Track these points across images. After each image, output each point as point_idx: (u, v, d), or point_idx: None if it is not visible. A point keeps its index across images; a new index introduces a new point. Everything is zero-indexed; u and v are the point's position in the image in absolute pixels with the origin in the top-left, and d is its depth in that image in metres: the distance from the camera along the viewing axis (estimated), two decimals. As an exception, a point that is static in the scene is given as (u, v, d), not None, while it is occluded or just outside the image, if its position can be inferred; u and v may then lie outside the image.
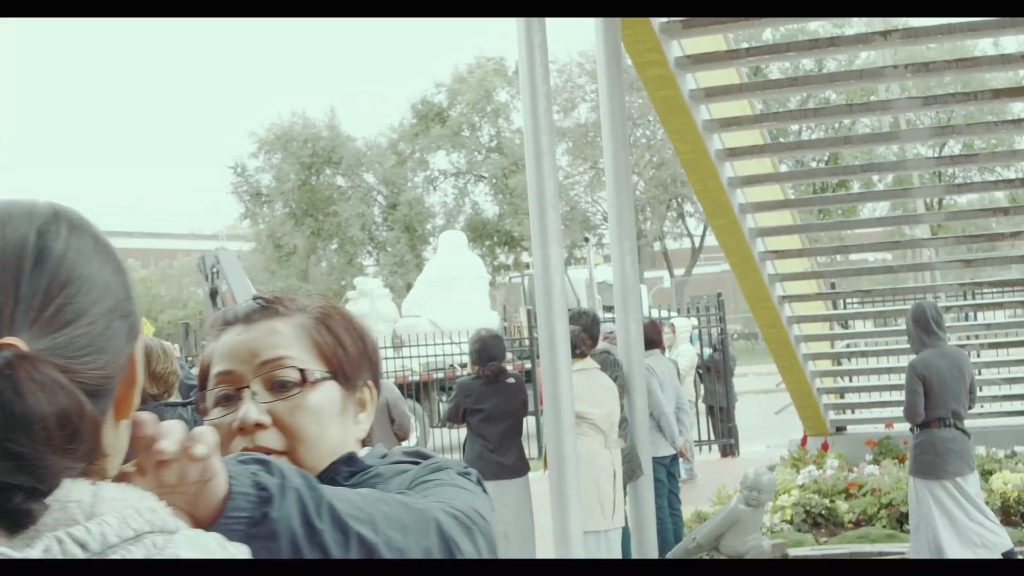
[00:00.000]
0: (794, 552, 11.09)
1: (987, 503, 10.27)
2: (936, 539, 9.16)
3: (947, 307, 14.28)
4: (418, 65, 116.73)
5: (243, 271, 26.96)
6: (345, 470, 2.00)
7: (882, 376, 14.76)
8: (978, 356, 14.55)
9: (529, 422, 15.46)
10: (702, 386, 19.97)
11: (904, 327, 10.55)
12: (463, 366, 21.20)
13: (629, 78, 26.94)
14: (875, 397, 14.82)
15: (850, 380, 15.06)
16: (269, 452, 1.94)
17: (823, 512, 12.07)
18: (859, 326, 16.71)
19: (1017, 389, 14.26)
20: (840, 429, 14.43)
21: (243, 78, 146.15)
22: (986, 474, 12.06)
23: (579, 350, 9.37)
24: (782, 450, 14.54)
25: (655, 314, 23.30)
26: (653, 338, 11.55)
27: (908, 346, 9.83)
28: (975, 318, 17.46)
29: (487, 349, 9.95)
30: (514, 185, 46.19)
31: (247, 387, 2.00)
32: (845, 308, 16.64)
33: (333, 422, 2.03)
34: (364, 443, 2.14)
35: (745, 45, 17.11)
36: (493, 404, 9.80)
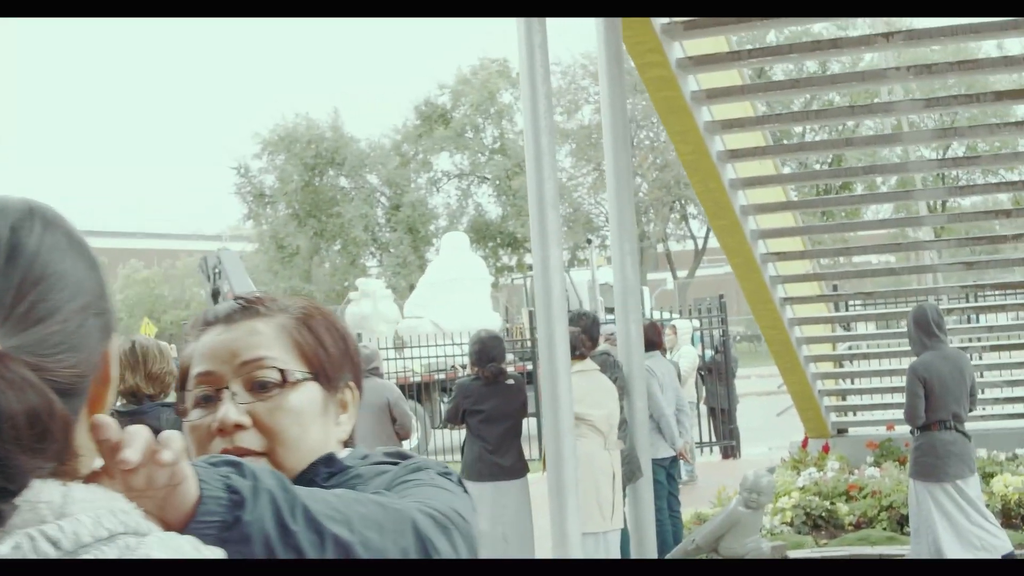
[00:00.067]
0: (794, 554, 11.08)
1: (988, 506, 10.26)
2: (936, 542, 9.15)
3: (949, 309, 14.27)
4: (422, 66, 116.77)
5: (245, 271, 26.97)
6: (324, 471, 1.98)
7: (884, 378, 14.73)
8: (980, 359, 14.54)
9: (531, 423, 15.45)
10: (704, 388, 19.94)
11: (905, 329, 10.53)
12: (464, 367, 21.20)
13: (632, 80, 26.96)
14: (876, 399, 14.80)
15: (852, 382, 15.04)
16: (249, 453, 1.93)
17: (823, 514, 12.05)
18: (861, 328, 16.68)
19: (1019, 392, 14.23)
20: (841, 431, 14.41)
21: (247, 79, 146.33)
22: (987, 477, 12.05)
23: (579, 351, 9.35)
24: (783, 452, 14.53)
25: (657, 316, 23.27)
26: (653, 340, 11.53)
27: (909, 348, 9.81)
28: (977, 320, 17.43)
29: (486, 350, 9.93)
30: (517, 187, 46.17)
31: (227, 388, 1.98)
32: (847, 310, 16.60)
33: (314, 423, 2.01)
34: (346, 444, 2.12)
35: (749, 47, 17.08)
36: (492, 405, 9.79)
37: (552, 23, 8.48)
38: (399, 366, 23.08)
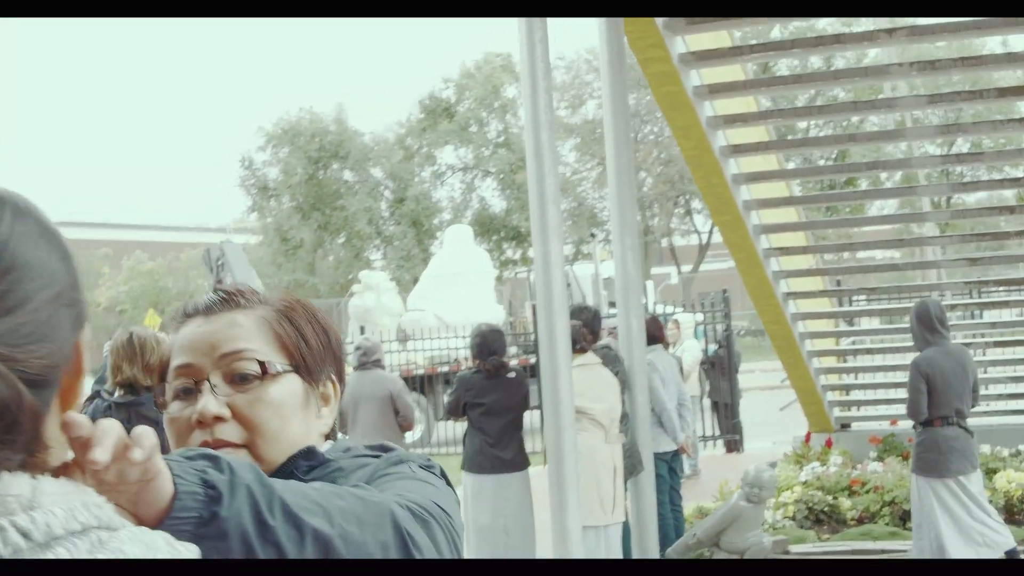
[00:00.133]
0: (796, 549, 11.06)
1: (991, 502, 10.23)
2: (938, 538, 9.12)
3: (953, 305, 14.24)
4: (426, 61, 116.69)
5: (248, 264, 26.97)
6: (304, 464, 1.96)
7: (887, 373, 14.71)
8: (984, 354, 14.49)
9: (534, 416, 15.44)
10: (707, 382, 19.91)
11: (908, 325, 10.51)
12: (467, 360, 21.21)
13: (636, 75, 26.90)
14: (880, 395, 14.78)
15: (855, 377, 15.03)
16: (229, 446, 1.91)
17: (825, 509, 12.03)
18: (865, 323, 16.67)
19: (1022, 387, 14.21)
20: (845, 426, 14.40)
21: (252, 73, 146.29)
22: (990, 472, 12.03)
23: (580, 345, 9.35)
24: (787, 446, 14.51)
25: (660, 310, 23.25)
26: (655, 334, 11.51)
27: (912, 344, 9.79)
28: (981, 316, 17.39)
29: (487, 343, 9.91)
30: (521, 180, 46.17)
31: (207, 380, 1.96)
32: (851, 305, 16.57)
33: (294, 416, 1.99)
34: (328, 438, 2.10)
35: (753, 42, 17.05)
36: (493, 398, 9.77)
37: (551, 20, 8.45)
38: (402, 359, 23.10)
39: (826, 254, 16.01)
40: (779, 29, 41.52)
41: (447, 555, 1.78)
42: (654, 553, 10.07)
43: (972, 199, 42.37)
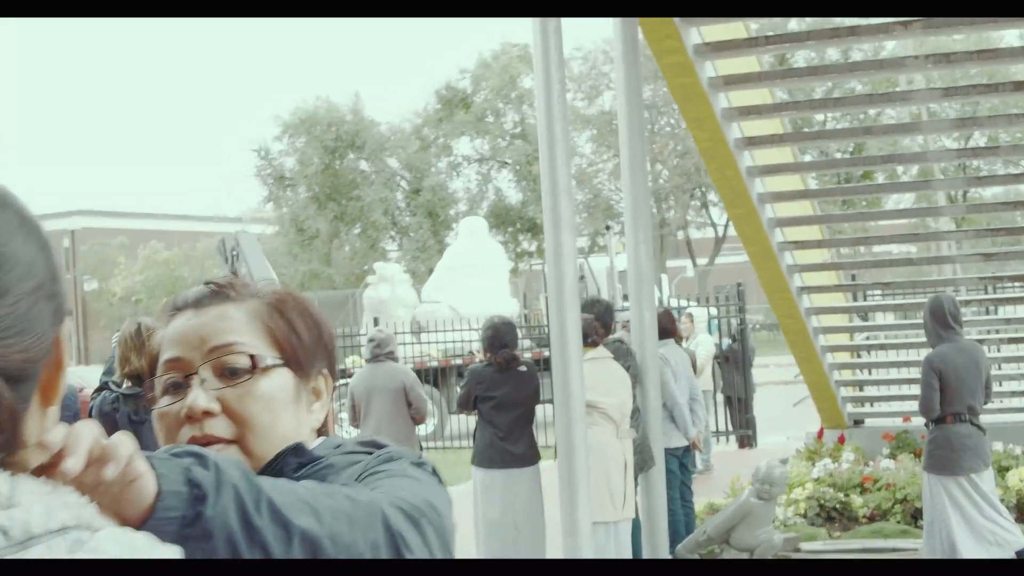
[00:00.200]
0: (806, 547, 11.02)
1: (1003, 500, 10.19)
2: (950, 536, 9.08)
3: (967, 301, 14.16)
4: (443, 51, 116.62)
5: (263, 254, 26.91)
6: (293, 461, 1.92)
7: (901, 369, 14.65)
8: (998, 351, 14.43)
9: (547, 410, 15.41)
10: (720, 376, 19.85)
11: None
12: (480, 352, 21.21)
13: (652, 66, 26.86)
14: (894, 391, 14.71)
15: (869, 373, 14.96)
16: (218, 441, 1.89)
17: (837, 506, 11.99)
18: (879, 319, 16.60)
19: (1037, 384, 14.14)
20: (858, 422, 14.34)
21: (269, 63, 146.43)
22: (1002, 471, 11.97)
23: (591, 339, 9.31)
24: (800, 442, 14.46)
25: (675, 303, 23.20)
26: (667, 328, 11.48)
27: (926, 340, 9.73)
28: (996, 312, 17.31)
29: (499, 336, 9.88)
30: (537, 172, 45.77)
31: (196, 374, 1.93)
32: (865, 300, 16.52)
33: (285, 410, 1.96)
34: (320, 433, 2.07)
35: (770, 33, 16.98)
36: (504, 392, 9.73)
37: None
38: (416, 351, 23.09)
39: (842, 248, 15.93)
40: (796, 21, 41.39)
41: (438, 555, 1.74)
42: (664, 549, 10.04)
43: (988, 193, 42.24)
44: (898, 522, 11.59)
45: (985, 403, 9.35)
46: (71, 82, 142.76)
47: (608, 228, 27.85)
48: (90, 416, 7.91)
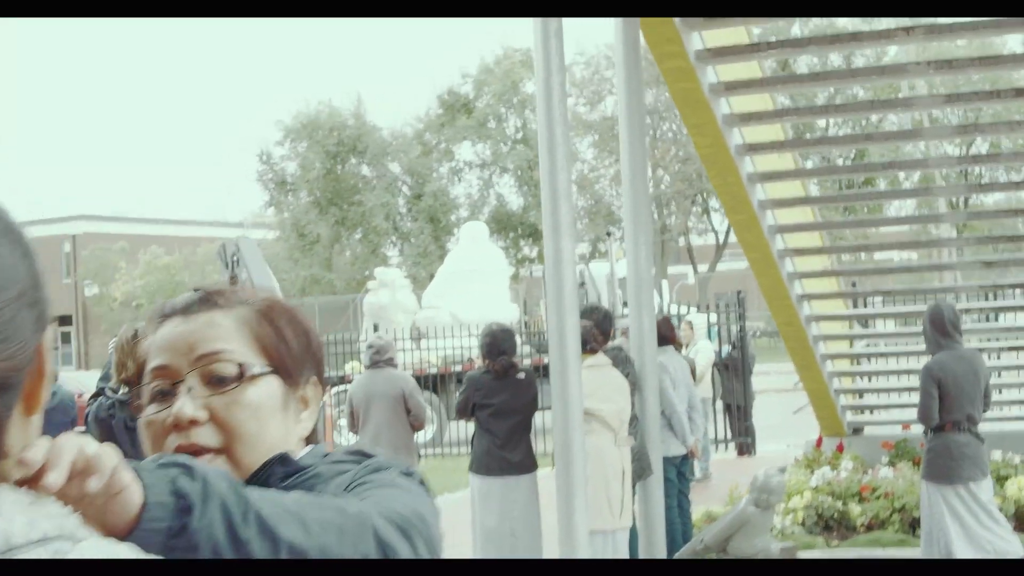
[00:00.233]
0: (804, 555, 10.99)
1: (1001, 509, 10.15)
2: (948, 545, 9.04)
3: (968, 309, 14.12)
4: (445, 56, 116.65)
5: (263, 259, 26.90)
6: (280, 470, 1.90)
7: (901, 377, 14.61)
8: (998, 359, 14.38)
9: (546, 417, 15.36)
10: (720, 384, 19.81)
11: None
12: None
13: (656, 72, 26.82)
14: (894, 399, 14.67)
15: (869, 381, 14.91)
16: (205, 450, 1.87)
17: (835, 515, 11.94)
18: (880, 326, 16.55)
19: (1038, 393, 14.09)
20: (857, 430, 14.29)
21: (271, 67, 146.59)
22: (1001, 479, 11.93)
23: (590, 346, 9.29)
24: (800, 450, 14.41)
25: (675, 310, 23.18)
26: (666, 335, 11.43)
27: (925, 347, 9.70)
28: (996, 320, 17.27)
29: (497, 343, 9.84)
30: (539, 177, 46.13)
31: (183, 382, 1.91)
32: (866, 307, 16.46)
33: (273, 419, 1.94)
34: (308, 442, 2.05)
35: (772, 39, 16.96)
36: (502, 399, 9.70)
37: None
38: (416, 357, 23.05)
39: (843, 255, 15.89)
40: (799, 27, 41.40)
41: None
42: (661, 558, 9.99)
43: (990, 200, 42.24)
44: (896, 531, 11.54)
45: (984, 411, 9.31)
46: (72, 84, 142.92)
47: (609, 234, 27.85)
48: (86, 421, 7.88)
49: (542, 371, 17.01)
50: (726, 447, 19.67)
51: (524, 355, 22.20)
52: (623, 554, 9.41)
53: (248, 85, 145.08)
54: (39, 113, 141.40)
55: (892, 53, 40.14)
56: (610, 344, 10.12)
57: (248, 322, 1.98)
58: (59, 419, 10.97)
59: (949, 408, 9.08)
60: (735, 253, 50.13)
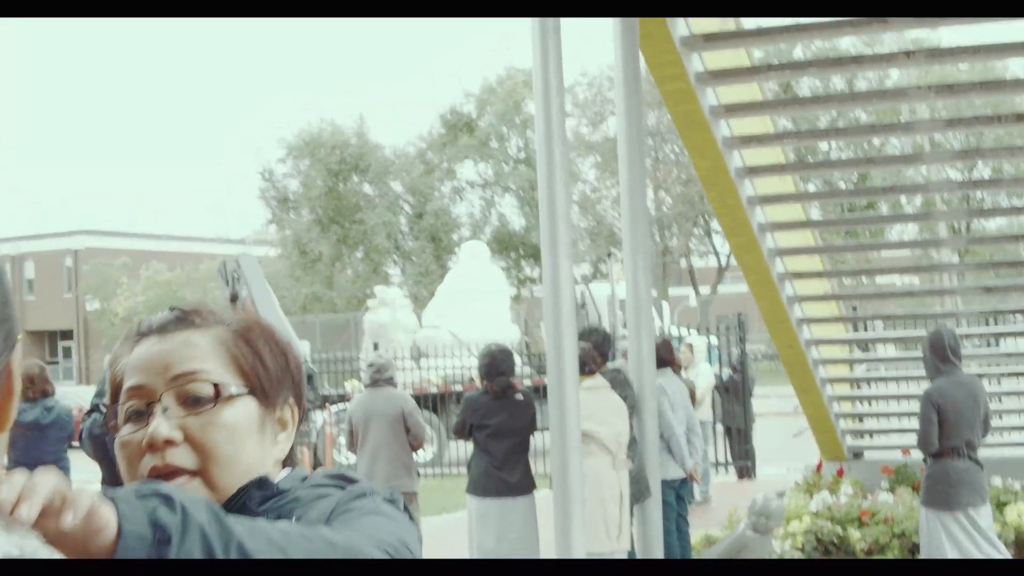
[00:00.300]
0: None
1: (1000, 536, 10.11)
2: (946, 571, 8.99)
3: (968, 334, 14.08)
4: (448, 75, 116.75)
5: (264, 277, 26.88)
6: (258, 494, 1.88)
7: (901, 402, 14.56)
8: (999, 384, 14.34)
9: (546, 437, 15.34)
10: (720, 407, 19.78)
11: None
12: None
13: (658, 94, 26.84)
14: (894, 423, 14.63)
15: (869, 405, 14.87)
16: (180, 471, 1.85)
17: (834, 540, 11.89)
18: (881, 350, 16.52)
19: (1038, 419, 14.04)
20: (858, 455, 14.24)
21: (275, 84, 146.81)
22: (1001, 506, 11.88)
23: (588, 368, 9.26)
24: (800, 474, 14.37)
25: (675, 332, 23.15)
26: (665, 357, 11.40)
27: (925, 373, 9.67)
28: (997, 345, 17.23)
29: (496, 364, 9.82)
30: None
31: (158, 402, 1.89)
32: (867, 331, 16.43)
33: (249, 440, 1.92)
34: (285, 464, 2.02)
35: (773, 62, 16.95)
36: (500, 420, 9.67)
37: (577, 37, 8.40)
38: (416, 376, 23.04)
39: (844, 279, 15.86)
40: (801, 49, 41.46)
41: None
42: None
43: (992, 226, 42.21)
44: (896, 556, 11.49)
45: (983, 437, 9.28)
46: (78, 98, 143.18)
47: (610, 255, 27.84)
48: (80, 438, 7.83)
49: (543, 392, 16.97)
50: (726, 470, 19.64)
51: (525, 376, 22.19)
52: (620, 577, 9.37)
53: (252, 102, 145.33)
54: (43, 122, 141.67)
55: (895, 77, 40.22)
56: (609, 366, 10.09)
57: (225, 342, 1.96)
58: (56, 434, 10.95)
59: (948, 434, 9.05)
60: (737, 276, 50.13)
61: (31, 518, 1.28)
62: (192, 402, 1.88)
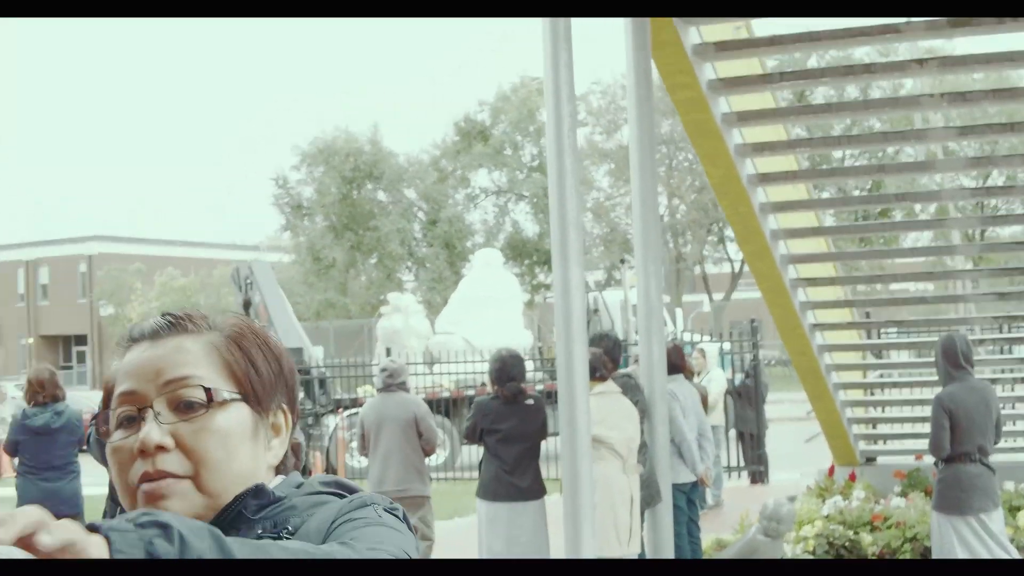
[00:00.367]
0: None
1: (1012, 540, 10.11)
2: None
3: (982, 340, 14.09)
4: (462, 83, 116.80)
5: (277, 283, 26.98)
6: (253, 503, 1.86)
7: (915, 407, 14.56)
8: (1012, 390, 14.33)
9: (557, 443, 15.36)
10: (733, 412, 19.78)
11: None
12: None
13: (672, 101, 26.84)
14: (907, 428, 14.63)
15: (882, 411, 14.88)
16: (171, 477, 1.83)
17: (846, 544, 11.89)
18: (895, 356, 16.52)
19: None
20: (870, 460, 14.25)
21: (290, 91, 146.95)
22: (1013, 510, 11.88)
23: (599, 373, 9.28)
24: (812, 478, 14.37)
25: (687, 338, 23.15)
26: (676, 363, 11.40)
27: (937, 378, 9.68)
28: (1010, 351, 17.22)
29: (506, 369, 9.83)
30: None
31: (150, 408, 1.87)
32: (879, 338, 16.44)
33: (242, 446, 1.90)
34: (278, 471, 2.01)
35: (789, 70, 16.96)
36: (510, 425, 9.68)
37: (589, 47, 8.44)
38: (429, 381, 23.07)
39: (859, 286, 15.85)
40: (816, 58, 41.43)
41: None
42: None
43: (1006, 232, 42.13)
44: (907, 561, 11.50)
45: (995, 443, 9.29)
46: (94, 104, 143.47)
47: (623, 261, 27.85)
48: (88, 442, 7.86)
49: (555, 397, 17.02)
50: (739, 475, 19.64)
51: (537, 381, 22.22)
52: (630, 582, 9.39)
53: (267, 110, 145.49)
54: (59, 131, 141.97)
55: (908, 86, 40.18)
56: (621, 371, 10.11)
57: (217, 347, 1.94)
58: (66, 439, 10.99)
59: (960, 439, 9.06)
60: (751, 282, 50.05)
61: (7, 543, 1.26)
62: (184, 408, 1.87)
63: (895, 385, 15.18)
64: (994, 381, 11.68)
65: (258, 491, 1.88)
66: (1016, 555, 9.28)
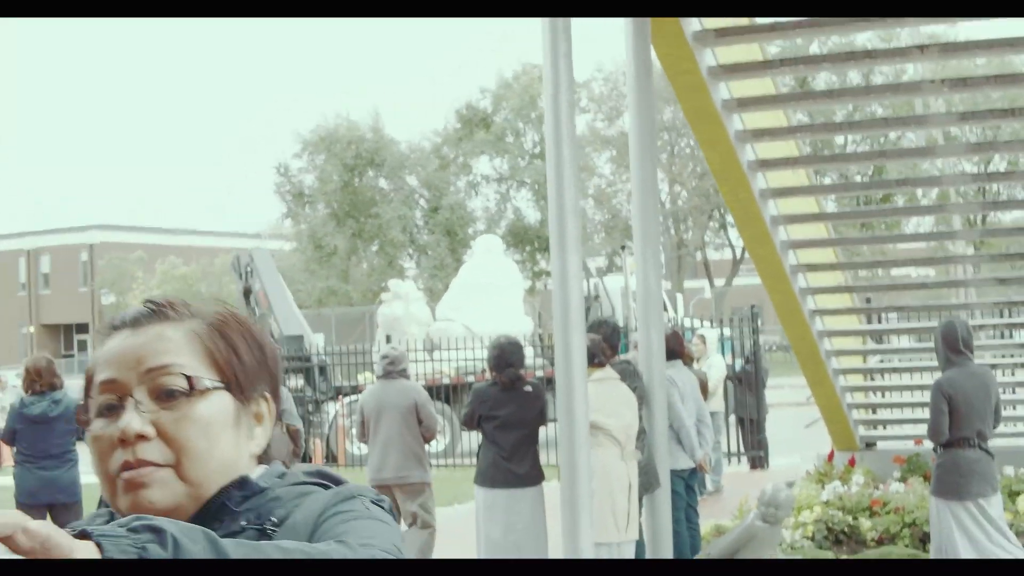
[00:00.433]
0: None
1: (1012, 526, 10.10)
2: (957, 561, 9.00)
3: (982, 325, 14.08)
4: (463, 70, 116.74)
5: (277, 271, 26.99)
6: (237, 495, 1.85)
7: (914, 392, 14.56)
8: (1012, 375, 14.32)
9: (557, 429, 15.37)
10: (732, 397, 19.78)
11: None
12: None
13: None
14: (906, 413, 14.62)
15: (882, 396, 14.86)
16: (152, 466, 1.81)
17: (845, 529, 11.89)
18: (895, 342, 16.51)
19: (1051, 409, 14.02)
20: (870, 445, 14.24)
21: (291, 79, 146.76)
22: (1013, 495, 11.87)
23: (598, 359, 9.27)
24: (812, 464, 14.37)
25: (687, 324, 23.15)
26: (675, 349, 11.38)
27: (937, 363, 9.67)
28: (1011, 336, 17.21)
29: (505, 355, 9.81)
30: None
31: (131, 396, 1.84)
32: (880, 323, 16.42)
33: (223, 435, 1.87)
34: (261, 460, 1.98)
35: (790, 56, 16.93)
36: (508, 412, 9.66)
37: (589, 33, 8.41)
38: (429, 368, 23.06)
39: (860, 271, 15.83)
40: (817, 45, 41.35)
41: None
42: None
43: (1008, 218, 42.10)
44: (906, 546, 11.48)
45: (994, 428, 9.28)
46: (94, 91, 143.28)
47: (624, 248, 27.83)
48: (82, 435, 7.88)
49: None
50: (739, 460, 19.64)
51: (538, 367, 22.21)
52: (628, 568, 9.39)
53: (268, 97, 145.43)
54: (58, 119, 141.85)
55: (910, 71, 40.12)
56: (620, 358, 10.09)
57: (199, 335, 1.92)
58: (63, 427, 10.96)
59: (959, 424, 9.05)
60: (752, 268, 50.08)
61: None
62: (165, 396, 1.84)
63: (895, 370, 15.17)
64: (994, 366, 11.67)
65: (242, 483, 1.87)
66: (1015, 540, 9.27)
